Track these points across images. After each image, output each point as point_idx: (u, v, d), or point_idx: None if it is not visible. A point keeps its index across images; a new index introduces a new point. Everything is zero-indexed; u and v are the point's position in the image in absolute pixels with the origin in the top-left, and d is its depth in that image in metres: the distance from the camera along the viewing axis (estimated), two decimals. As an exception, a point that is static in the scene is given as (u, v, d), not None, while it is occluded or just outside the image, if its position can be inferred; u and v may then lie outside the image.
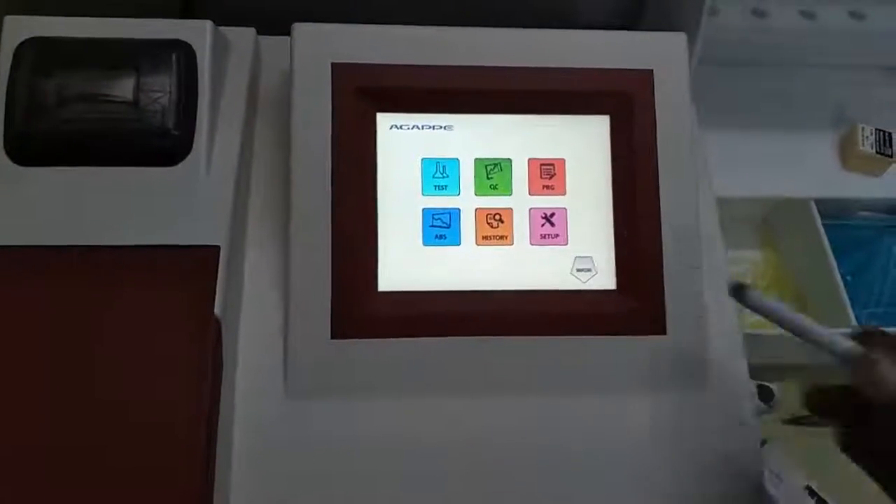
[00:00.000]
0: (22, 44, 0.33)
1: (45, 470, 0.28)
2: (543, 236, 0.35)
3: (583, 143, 0.35)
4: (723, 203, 0.44)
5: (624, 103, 0.35)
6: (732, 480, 0.33)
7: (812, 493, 0.43)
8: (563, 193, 0.35)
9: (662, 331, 0.33)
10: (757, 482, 0.33)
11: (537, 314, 0.33)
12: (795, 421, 0.47)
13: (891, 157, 0.50)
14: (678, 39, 0.36)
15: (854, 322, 0.45)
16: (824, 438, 0.47)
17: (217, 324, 0.30)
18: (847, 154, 0.51)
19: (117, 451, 0.28)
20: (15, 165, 0.32)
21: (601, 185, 0.35)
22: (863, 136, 0.50)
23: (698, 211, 0.35)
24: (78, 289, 0.30)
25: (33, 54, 0.33)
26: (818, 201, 0.50)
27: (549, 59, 0.35)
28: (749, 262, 0.53)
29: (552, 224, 0.35)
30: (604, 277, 0.35)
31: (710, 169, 0.39)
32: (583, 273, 0.35)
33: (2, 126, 0.32)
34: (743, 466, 0.33)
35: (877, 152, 0.50)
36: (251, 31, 0.38)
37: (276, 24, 0.37)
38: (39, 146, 0.32)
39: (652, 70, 0.35)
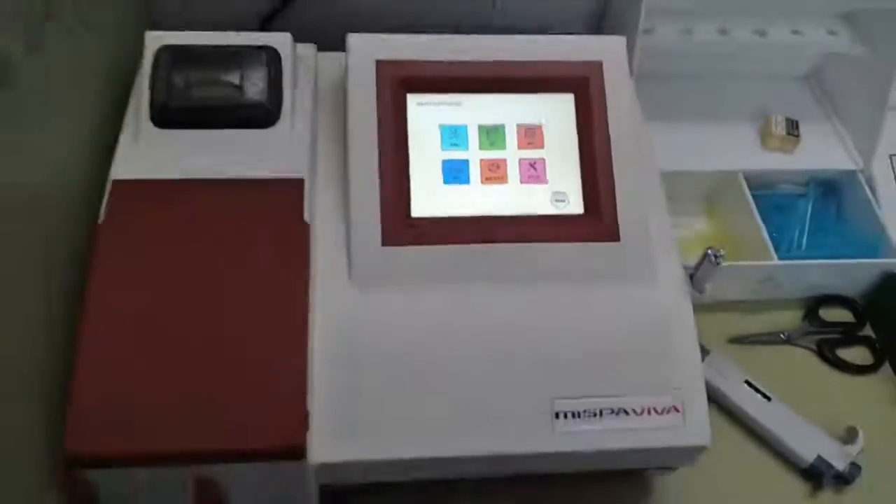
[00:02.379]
0: (159, 49, 0.47)
1: (180, 354, 0.39)
2: (529, 177, 0.48)
3: (555, 113, 0.49)
4: (673, 177, 0.58)
5: (583, 85, 0.49)
6: (670, 354, 0.44)
7: (750, 384, 0.55)
8: (542, 148, 0.49)
9: (617, 239, 0.46)
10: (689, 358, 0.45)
11: (527, 229, 0.46)
12: (738, 340, 0.59)
13: (797, 136, 0.64)
14: (620, 40, 0.50)
15: (776, 259, 0.58)
16: (758, 351, 0.60)
17: (306, 226, 0.42)
18: (765, 137, 0.65)
19: (235, 333, 0.39)
20: (156, 128, 0.45)
21: (569, 142, 0.49)
22: (776, 122, 0.64)
23: (638, 158, 0.48)
24: (203, 207, 0.43)
25: (167, 55, 0.47)
26: (746, 174, 0.63)
27: (530, 55, 0.49)
28: (695, 228, 0.67)
29: (535, 169, 0.48)
30: (574, 206, 0.48)
31: (653, 143, 0.53)
32: (559, 203, 0.48)
33: (147, 103, 0.46)
34: (679, 344, 0.45)
35: (787, 134, 0.64)
36: (313, 45, 0.52)
37: (327, 43, 0.52)
38: (173, 114, 0.45)
39: (602, 62, 0.49)
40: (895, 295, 0.59)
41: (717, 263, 0.45)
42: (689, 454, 0.45)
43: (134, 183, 0.43)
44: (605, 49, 0.50)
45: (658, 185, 0.50)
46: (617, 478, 0.50)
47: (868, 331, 0.61)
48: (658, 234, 0.47)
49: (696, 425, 0.43)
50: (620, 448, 0.43)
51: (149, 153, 0.45)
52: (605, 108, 0.49)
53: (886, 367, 0.59)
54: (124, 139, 0.45)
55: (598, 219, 0.47)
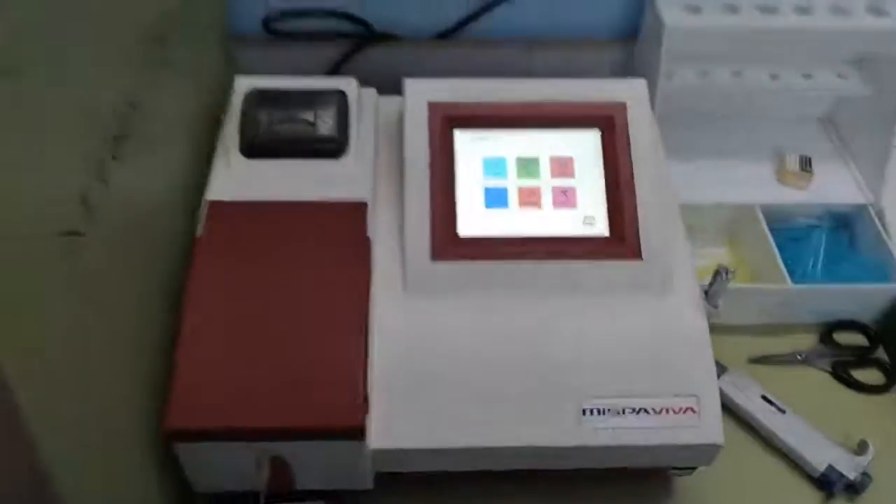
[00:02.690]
0: (249, 92, 0.56)
1: (261, 349, 0.46)
2: (561, 203, 0.55)
3: (584, 146, 0.56)
4: (696, 209, 0.65)
5: (609, 122, 0.56)
6: (687, 360, 0.50)
7: (766, 399, 0.59)
8: (573, 177, 0.55)
9: (639, 258, 0.52)
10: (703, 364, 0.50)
11: (559, 248, 0.53)
12: (757, 360, 0.63)
13: (811, 173, 0.69)
14: (642, 83, 0.57)
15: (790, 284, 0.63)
16: (776, 371, 0.64)
17: (368, 241, 0.50)
18: (780, 173, 0.70)
19: (307, 331, 0.46)
20: (244, 158, 0.54)
21: (597, 172, 0.55)
22: (790, 159, 0.70)
23: (659, 187, 0.54)
24: (284, 225, 0.50)
25: (255, 96, 0.55)
26: (763, 208, 0.69)
27: (562, 95, 0.56)
28: (718, 258, 0.72)
29: (566, 196, 0.55)
30: (601, 228, 0.54)
31: (673, 176, 0.58)
32: (587, 225, 0.54)
33: (238, 136, 0.54)
34: (695, 351, 0.50)
35: (801, 170, 0.69)
36: (374, 89, 0.60)
37: (386, 87, 0.60)
38: (259, 146, 0.54)
39: (626, 101, 0.56)
40: (906, 319, 0.63)
41: (728, 280, 0.50)
42: (705, 453, 0.49)
43: (226, 203, 0.51)
44: (629, 90, 0.57)
45: (676, 212, 0.56)
46: (640, 479, 0.55)
47: (881, 353, 0.64)
48: (676, 254, 0.53)
49: (710, 425, 0.48)
50: (641, 444, 0.48)
51: (238, 178, 0.53)
52: (629, 142, 0.55)
53: (899, 388, 0.62)
54: (217, 166, 0.54)
55: (622, 240, 0.53)
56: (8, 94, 0.30)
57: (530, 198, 0.55)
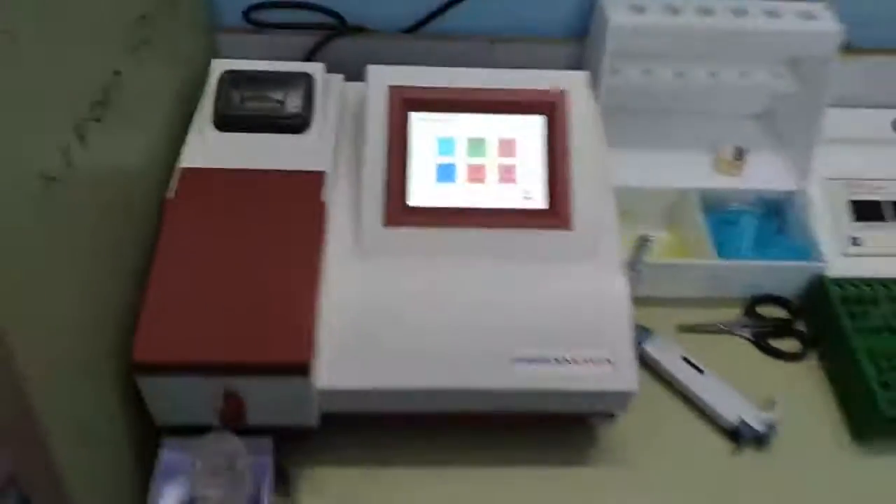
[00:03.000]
0: (222, 73, 0.62)
1: (221, 294, 0.52)
2: (504, 179, 0.61)
3: (528, 130, 0.62)
4: (639, 193, 0.71)
5: (551, 108, 0.62)
6: (607, 318, 0.56)
7: (686, 360, 0.65)
8: (516, 157, 0.61)
9: (570, 228, 0.58)
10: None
11: (500, 219, 0.58)
12: (684, 329, 0.69)
13: (743, 161, 0.75)
14: (583, 74, 0.63)
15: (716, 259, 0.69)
16: (701, 338, 0.70)
17: (324, 205, 0.55)
18: (716, 162, 0.76)
19: (264, 280, 0.52)
20: (217, 131, 0.59)
21: (538, 152, 0.61)
22: (725, 149, 0.75)
23: (594, 168, 0.60)
24: (249, 189, 0.56)
25: (229, 77, 0.61)
26: (700, 192, 0.74)
27: (510, 83, 0.62)
28: (658, 238, 0.77)
29: (509, 173, 0.61)
30: (538, 202, 0.60)
31: (611, 160, 0.64)
32: (527, 199, 0.60)
33: (211, 111, 0.60)
34: (615, 310, 0.56)
35: (734, 159, 0.75)
36: (341, 76, 0.66)
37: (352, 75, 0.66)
38: (230, 120, 0.59)
39: (567, 90, 0.62)
40: (822, 295, 0.69)
41: (648, 247, 0.56)
42: (620, 399, 0.55)
43: (197, 170, 0.57)
44: (571, 81, 0.63)
45: (610, 191, 0.62)
46: (566, 429, 0.61)
47: (801, 326, 0.70)
48: (605, 226, 0.59)
49: (624, 375, 0.54)
50: (563, 389, 0.53)
51: (210, 149, 0.58)
52: (568, 127, 0.61)
53: (813, 357, 0.68)
54: (191, 138, 0.60)
55: (555, 212, 0.59)
56: (4, 50, 0.35)
57: (477, 174, 0.61)
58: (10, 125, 0.37)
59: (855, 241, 0.72)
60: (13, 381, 0.38)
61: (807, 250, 0.72)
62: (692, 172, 0.76)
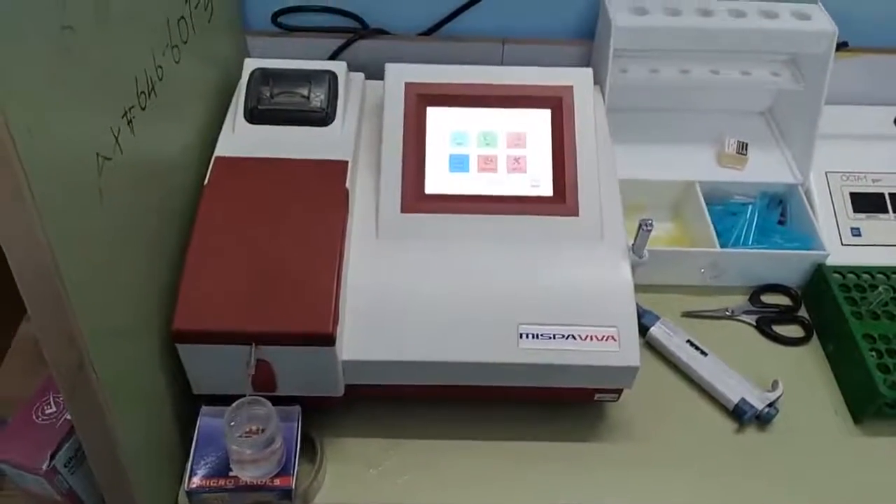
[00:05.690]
0: (253, 71, 0.66)
1: (253, 272, 0.56)
2: (513, 169, 0.65)
3: (536, 123, 0.66)
4: (645, 185, 0.74)
5: (557, 103, 0.66)
6: (611, 298, 0.59)
7: (691, 343, 0.68)
8: (525, 148, 0.65)
9: (576, 214, 0.62)
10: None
11: (509, 205, 0.62)
12: (689, 314, 0.72)
13: (746, 155, 0.78)
14: (588, 71, 0.67)
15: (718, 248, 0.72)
16: (706, 323, 0.72)
17: (347, 191, 0.60)
18: (719, 156, 0.79)
19: (292, 258, 0.56)
20: (248, 123, 0.64)
21: (545, 144, 0.65)
22: (728, 143, 0.79)
23: (599, 159, 0.64)
24: (278, 176, 0.61)
25: (259, 75, 0.66)
26: (703, 185, 0.78)
27: (519, 80, 0.67)
28: (664, 229, 0.81)
29: (518, 163, 0.65)
30: (545, 190, 0.64)
31: (615, 151, 0.68)
32: (535, 187, 0.64)
33: (243, 106, 0.65)
34: (619, 290, 0.59)
35: (737, 153, 0.78)
36: (361, 74, 0.71)
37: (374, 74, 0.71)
38: (260, 114, 0.64)
39: (572, 86, 0.66)
40: (823, 282, 0.71)
41: (649, 230, 0.59)
42: (624, 374, 0.58)
43: (231, 159, 0.62)
44: (576, 77, 0.67)
45: (614, 179, 0.65)
46: (575, 406, 0.64)
47: (803, 313, 0.73)
48: (609, 213, 0.63)
49: (628, 351, 0.57)
50: (568, 363, 0.57)
51: (242, 140, 0.63)
52: (573, 120, 0.65)
53: (815, 342, 0.71)
54: (225, 130, 0.64)
55: (562, 199, 0.63)
56: (66, 43, 0.40)
57: (488, 164, 0.65)
58: (73, 105, 0.42)
59: (854, 232, 0.75)
60: (72, 340, 0.43)
61: (808, 240, 0.74)
62: (697, 166, 0.80)
